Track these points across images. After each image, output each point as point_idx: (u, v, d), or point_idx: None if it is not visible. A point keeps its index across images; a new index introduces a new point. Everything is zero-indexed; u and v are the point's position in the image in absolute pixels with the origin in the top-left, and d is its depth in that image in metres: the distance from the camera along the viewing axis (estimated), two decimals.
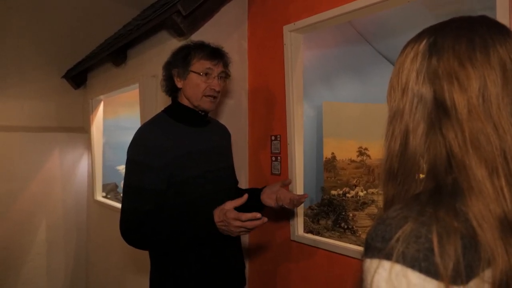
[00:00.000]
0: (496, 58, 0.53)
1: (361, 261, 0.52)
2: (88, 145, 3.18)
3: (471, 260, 0.47)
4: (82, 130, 3.33)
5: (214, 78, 1.36)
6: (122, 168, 3.20)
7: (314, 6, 1.68)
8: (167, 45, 2.09)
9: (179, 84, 1.38)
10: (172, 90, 1.41)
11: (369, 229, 0.53)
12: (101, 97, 2.97)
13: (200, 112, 1.41)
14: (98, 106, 3.02)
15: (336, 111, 2.50)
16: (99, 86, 3.01)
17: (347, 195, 2.36)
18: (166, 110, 1.43)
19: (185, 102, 1.40)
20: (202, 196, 1.34)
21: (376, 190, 2.40)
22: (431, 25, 0.62)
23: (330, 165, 2.47)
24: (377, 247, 0.49)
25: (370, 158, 2.51)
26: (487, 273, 0.47)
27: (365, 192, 2.40)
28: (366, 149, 2.54)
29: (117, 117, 3.38)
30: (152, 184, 1.26)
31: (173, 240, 1.27)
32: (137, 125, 2.80)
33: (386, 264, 0.48)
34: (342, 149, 2.53)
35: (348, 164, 2.53)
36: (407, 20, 2.11)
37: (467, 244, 0.47)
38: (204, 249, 1.34)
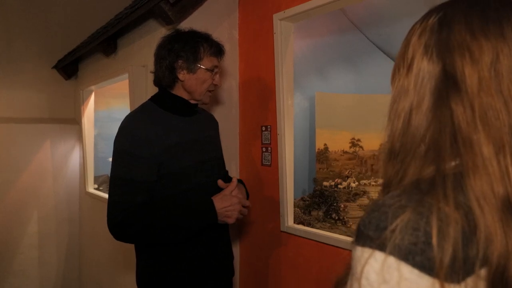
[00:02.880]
0: (510, 30, 0.50)
1: (350, 248, 0.50)
2: (80, 136, 3.15)
3: (470, 257, 0.44)
4: (74, 121, 3.29)
5: (216, 73, 1.37)
6: None
7: None
8: (156, 34, 2.05)
9: (182, 77, 1.32)
10: (171, 80, 1.33)
11: (363, 215, 0.50)
12: (92, 87, 2.94)
13: (190, 101, 1.38)
14: (89, 97, 2.98)
15: (329, 101, 2.48)
16: (90, 76, 2.97)
17: (339, 186, 2.35)
18: (153, 99, 1.39)
19: (180, 93, 1.36)
20: (193, 187, 1.32)
21: (369, 181, 2.39)
22: (438, 4, 0.59)
23: (322, 156, 2.46)
24: (369, 236, 0.47)
25: (363, 149, 2.49)
26: (483, 272, 0.45)
27: (357, 183, 2.39)
28: (359, 140, 2.52)
29: (109, 109, 3.34)
30: (142, 175, 1.23)
31: (169, 233, 1.25)
32: None
33: (378, 255, 0.45)
34: (334, 140, 2.51)
35: (341, 155, 2.51)
36: (400, 8, 2.09)
37: (466, 239, 0.45)
38: (195, 241, 1.33)
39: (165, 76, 1.33)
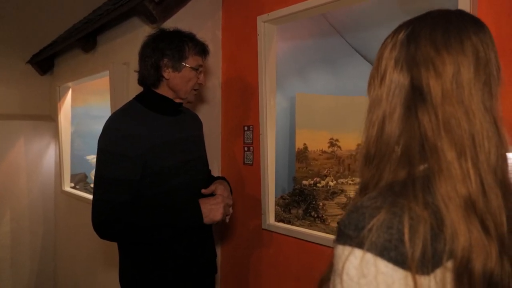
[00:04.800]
0: (469, 45, 0.55)
1: (333, 246, 0.54)
2: (56, 134, 3.08)
3: (438, 251, 0.49)
4: (49, 118, 3.21)
5: (201, 72, 1.39)
6: (92, 158, 3.12)
7: None
8: (139, 32, 2.04)
9: (167, 75, 1.33)
10: (156, 79, 1.34)
11: (343, 216, 0.54)
12: (70, 84, 2.87)
13: (175, 100, 1.39)
14: (66, 93, 2.91)
15: (308, 102, 2.54)
16: (68, 72, 2.91)
17: (318, 185, 2.42)
18: (138, 98, 1.39)
19: (164, 92, 1.36)
20: (178, 186, 1.33)
21: (346, 180, 2.47)
22: (409, 19, 0.63)
23: (302, 155, 2.52)
24: (349, 235, 0.51)
25: (340, 149, 2.57)
26: (449, 264, 0.50)
27: (335, 182, 2.46)
28: (337, 140, 2.60)
29: (87, 105, 3.28)
30: (126, 174, 1.23)
31: (153, 232, 1.26)
32: (108, 113, 2.74)
33: (357, 252, 0.50)
34: (314, 140, 2.58)
35: (320, 154, 2.58)
36: (378, 14, 2.16)
37: (435, 235, 0.50)
38: (179, 239, 1.34)
39: (150, 75, 1.34)
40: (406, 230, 0.49)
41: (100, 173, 1.26)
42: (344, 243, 0.52)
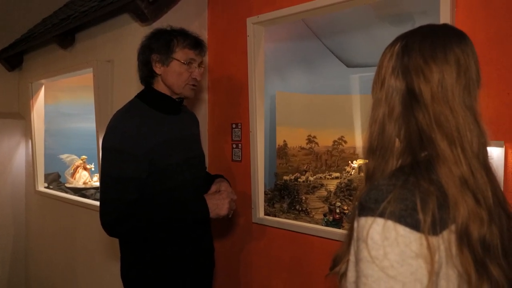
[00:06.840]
0: (452, 56, 0.68)
1: (356, 220, 0.65)
2: (26, 132, 2.96)
3: (443, 217, 0.62)
4: (18, 116, 3.08)
5: (195, 67, 1.40)
6: (65, 157, 3.04)
7: (275, 1, 1.78)
8: (124, 29, 2.04)
9: (158, 70, 1.36)
10: (148, 76, 1.38)
11: (362, 194, 0.66)
12: (43, 81, 2.78)
13: (176, 99, 1.42)
14: (39, 90, 2.81)
15: (287, 100, 2.64)
16: (40, 69, 2.80)
17: (299, 180, 2.53)
18: (140, 96, 1.41)
19: (161, 88, 1.39)
20: (181, 184, 1.37)
21: (324, 175, 2.61)
22: (405, 32, 0.76)
23: (282, 152, 2.62)
24: (371, 208, 0.63)
25: (318, 145, 2.70)
26: (453, 227, 0.63)
27: (314, 177, 2.59)
28: (314, 137, 2.73)
29: (57, 103, 3.18)
30: (134, 172, 1.25)
31: (162, 229, 1.30)
32: (80, 111, 2.69)
33: (379, 221, 0.61)
34: (293, 137, 2.69)
35: (298, 151, 2.70)
36: (353, 19, 2.31)
37: (440, 204, 0.62)
38: (182, 236, 1.38)
39: (142, 71, 1.39)
40: (418, 201, 0.61)
41: (107, 173, 1.27)
42: (367, 214, 0.63)
